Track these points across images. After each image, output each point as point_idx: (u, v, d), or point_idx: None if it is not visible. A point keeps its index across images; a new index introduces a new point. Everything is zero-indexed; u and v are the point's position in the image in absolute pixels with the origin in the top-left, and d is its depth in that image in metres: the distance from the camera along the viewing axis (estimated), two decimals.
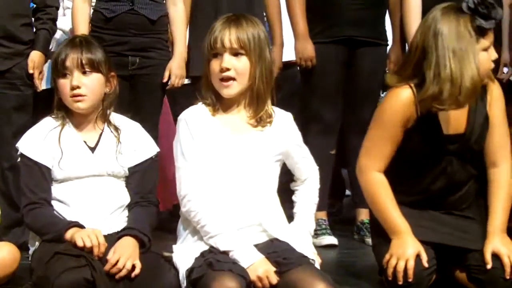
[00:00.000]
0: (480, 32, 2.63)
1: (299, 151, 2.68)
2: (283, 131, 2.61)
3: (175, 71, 3.45)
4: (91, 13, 3.44)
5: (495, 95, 2.77)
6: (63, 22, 3.79)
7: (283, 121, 2.63)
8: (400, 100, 2.69)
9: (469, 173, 2.77)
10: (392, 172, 2.74)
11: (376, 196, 2.75)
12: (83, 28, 3.37)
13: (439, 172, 2.74)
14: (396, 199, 2.73)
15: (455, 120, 2.72)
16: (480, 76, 2.60)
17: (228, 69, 2.50)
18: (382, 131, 2.73)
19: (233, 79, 2.51)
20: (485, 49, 2.65)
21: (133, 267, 2.43)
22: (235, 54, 2.51)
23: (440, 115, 2.69)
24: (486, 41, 2.65)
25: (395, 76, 2.76)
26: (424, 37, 2.66)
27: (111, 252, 2.45)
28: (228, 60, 2.51)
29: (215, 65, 2.52)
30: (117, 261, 2.41)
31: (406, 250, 2.62)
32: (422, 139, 2.70)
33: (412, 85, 2.68)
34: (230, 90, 2.53)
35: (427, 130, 2.69)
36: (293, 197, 2.72)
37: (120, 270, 2.41)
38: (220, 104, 2.58)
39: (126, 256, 2.43)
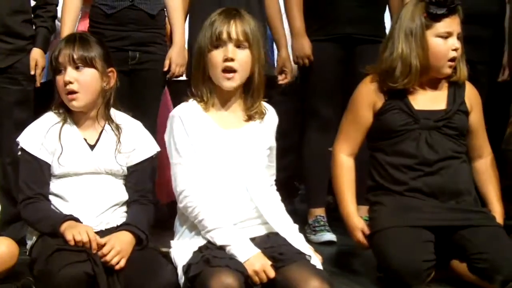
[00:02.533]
0: (433, 17, 2.81)
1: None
2: (273, 126, 2.65)
3: (176, 59, 3.44)
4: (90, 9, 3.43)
5: (474, 98, 2.96)
6: None
7: (273, 116, 2.66)
8: (364, 86, 2.93)
9: (453, 149, 2.88)
10: (381, 159, 2.90)
11: (338, 179, 2.93)
12: (70, 25, 3.34)
13: (421, 140, 2.84)
14: (397, 189, 2.86)
15: (431, 100, 2.89)
16: (427, 59, 2.81)
17: (232, 60, 2.51)
18: (350, 117, 2.96)
19: (235, 71, 2.52)
20: (441, 36, 2.82)
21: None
22: (238, 46, 2.53)
23: (412, 95, 2.88)
24: (441, 28, 2.82)
25: (371, 65, 2.97)
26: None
27: (104, 239, 2.47)
28: (232, 50, 2.52)
29: (217, 55, 2.53)
30: (109, 252, 2.44)
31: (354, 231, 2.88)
32: (397, 116, 2.86)
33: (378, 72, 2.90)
34: (233, 82, 2.54)
35: (399, 108, 2.86)
36: None
37: (106, 262, 2.43)
38: (215, 98, 2.58)
39: (117, 250, 2.45)
